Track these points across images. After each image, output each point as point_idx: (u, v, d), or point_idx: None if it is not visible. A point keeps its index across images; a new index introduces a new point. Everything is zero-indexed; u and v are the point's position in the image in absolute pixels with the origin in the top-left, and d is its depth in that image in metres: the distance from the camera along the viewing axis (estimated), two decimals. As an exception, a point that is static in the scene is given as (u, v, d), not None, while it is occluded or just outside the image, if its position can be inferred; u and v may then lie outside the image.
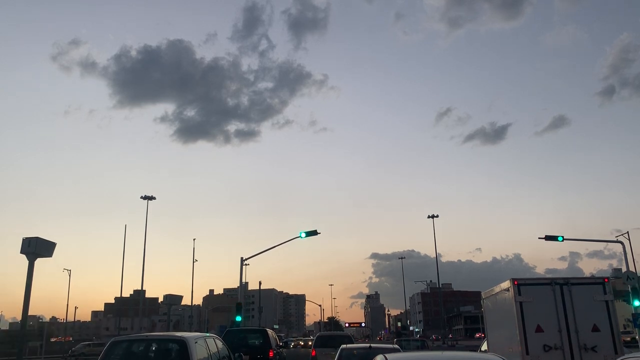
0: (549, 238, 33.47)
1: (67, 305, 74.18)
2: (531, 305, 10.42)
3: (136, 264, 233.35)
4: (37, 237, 15.84)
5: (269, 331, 19.92)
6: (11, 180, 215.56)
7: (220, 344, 10.88)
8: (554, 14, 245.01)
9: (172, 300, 47.57)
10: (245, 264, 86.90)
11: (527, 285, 10.63)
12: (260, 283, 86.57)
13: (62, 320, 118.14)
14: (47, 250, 16.16)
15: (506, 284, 11.08)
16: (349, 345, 13.11)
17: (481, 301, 13.89)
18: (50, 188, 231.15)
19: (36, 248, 15.65)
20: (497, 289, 12.03)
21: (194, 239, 70.43)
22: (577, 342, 10.18)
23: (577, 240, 40.51)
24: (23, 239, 15.84)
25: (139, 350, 9.62)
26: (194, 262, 68.83)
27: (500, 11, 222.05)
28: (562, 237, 33.39)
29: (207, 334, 10.78)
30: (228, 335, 17.57)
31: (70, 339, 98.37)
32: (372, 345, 12.30)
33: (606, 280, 10.68)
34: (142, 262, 60.57)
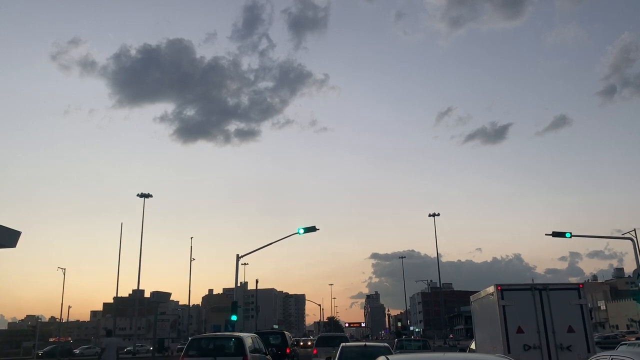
0: (556, 234, 32.70)
1: (62, 304, 76.02)
2: (513, 308, 11.66)
3: (136, 264, 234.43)
4: None
5: (287, 333, 25.23)
6: (10, 179, 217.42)
7: (257, 339, 15.69)
8: (555, 13, 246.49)
9: (160, 297, 47.77)
10: (244, 263, 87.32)
11: (509, 290, 11.88)
12: (257, 281, 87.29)
13: (60, 320, 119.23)
14: (8, 240, 14.04)
15: (491, 289, 12.33)
16: (348, 344, 15.35)
17: (470, 304, 15.17)
18: (50, 188, 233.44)
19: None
20: (483, 293, 13.30)
21: (191, 237, 71.42)
22: (554, 342, 11.42)
23: (584, 236, 40.17)
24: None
25: (212, 343, 14.12)
26: (191, 261, 69.92)
27: (502, 10, 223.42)
28: (570, 233, 32.81)
29: (250, 334, 16.03)
30: None
31: (69, 339, 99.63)
32: (367, 344, 14.76)
33: (581, 286, 11.93)
34: (139, 260, 61.88)
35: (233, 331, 26.74)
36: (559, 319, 11.54)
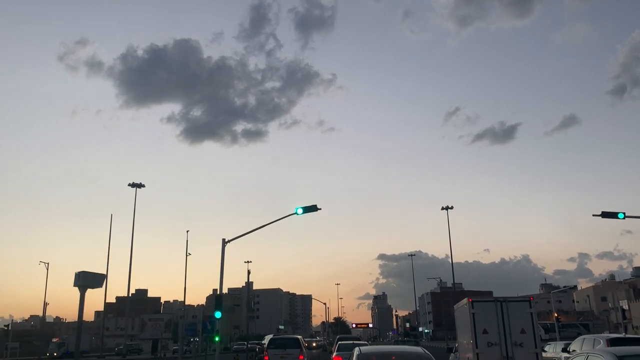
0: (605, 215, 29.02)
1: (44, 301, 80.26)
2: (480, 315, 16.79)
3: (141, 264, 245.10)
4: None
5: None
6: (17, 180, 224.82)
7: (303, 339, 26.34)
8: (564, 11, 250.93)
9: (88, 279, 43.60)
10: (247, 261, 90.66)
11: (478, 302, 17.04)
12: (248, 272, 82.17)
13: (65, 320, 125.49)
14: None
15: (465, 301, 17.51)
16: (343, 341, 27.23)
17: (453, 311, 20.43)
18: (57, 188, 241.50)
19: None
20: (461, 303, 18.51)
21: (187, 231, 71.19)
22: (510, 340, 16.52)
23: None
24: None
25: (282, 341, 28.08)
26: (187, 255, 71.90)
27: (510, 9, 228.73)
28: (624, 214, 28.92)
29: (300, 336, 31.24)
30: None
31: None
32: (354, 341, 26.21)
33: (531, 299, 17.16)
34: (130, 257, 66.18)
35: (214, 330, 31.47)
36: (514, 323, 16.65)
